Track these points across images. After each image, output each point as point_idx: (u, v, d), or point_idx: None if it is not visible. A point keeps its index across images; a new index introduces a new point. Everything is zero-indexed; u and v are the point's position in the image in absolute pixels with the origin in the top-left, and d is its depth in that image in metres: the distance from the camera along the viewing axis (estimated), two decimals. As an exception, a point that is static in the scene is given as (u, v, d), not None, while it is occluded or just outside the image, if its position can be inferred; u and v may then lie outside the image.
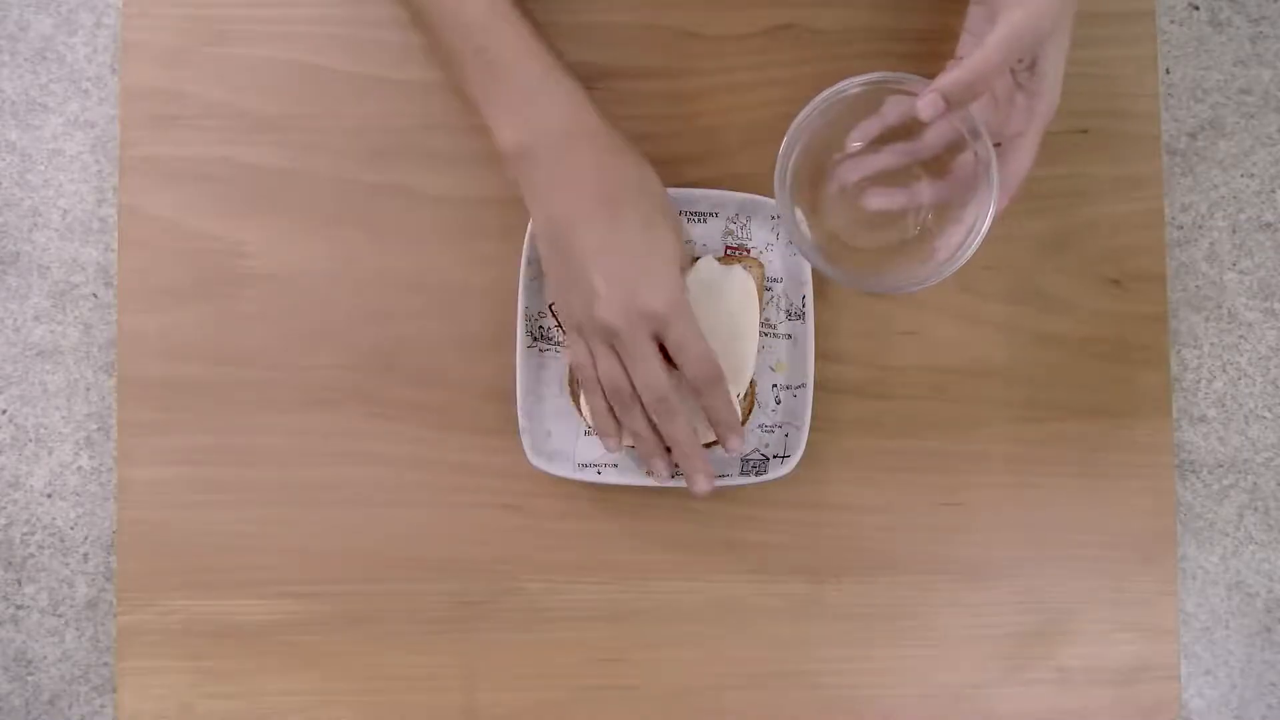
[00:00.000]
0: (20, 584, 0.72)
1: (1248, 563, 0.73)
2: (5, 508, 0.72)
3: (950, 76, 0.50)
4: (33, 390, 0.72)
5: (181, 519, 0.64)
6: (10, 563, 0.72)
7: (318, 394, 0.64)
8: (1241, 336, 0.73)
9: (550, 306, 0.63)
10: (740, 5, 0.65)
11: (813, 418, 0.62)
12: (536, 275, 0.62)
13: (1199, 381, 0.73)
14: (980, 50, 0.50)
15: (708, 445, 0.60)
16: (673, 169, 0.63)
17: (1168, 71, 0.74)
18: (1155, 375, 0.66)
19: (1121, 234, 0.66)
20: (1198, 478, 0.73)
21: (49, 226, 0.72)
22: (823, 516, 0.65)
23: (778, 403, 0.64)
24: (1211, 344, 0.73)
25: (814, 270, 0.61)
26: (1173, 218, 0.73)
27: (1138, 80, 0.66)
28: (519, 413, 0.61)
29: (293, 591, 0.64)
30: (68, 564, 0.72)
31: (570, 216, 0.56)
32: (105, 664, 0.72)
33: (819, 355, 0.62)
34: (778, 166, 0.55)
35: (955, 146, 0.57)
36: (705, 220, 0.64)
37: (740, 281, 0.62)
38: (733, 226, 0.64)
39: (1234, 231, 0.73)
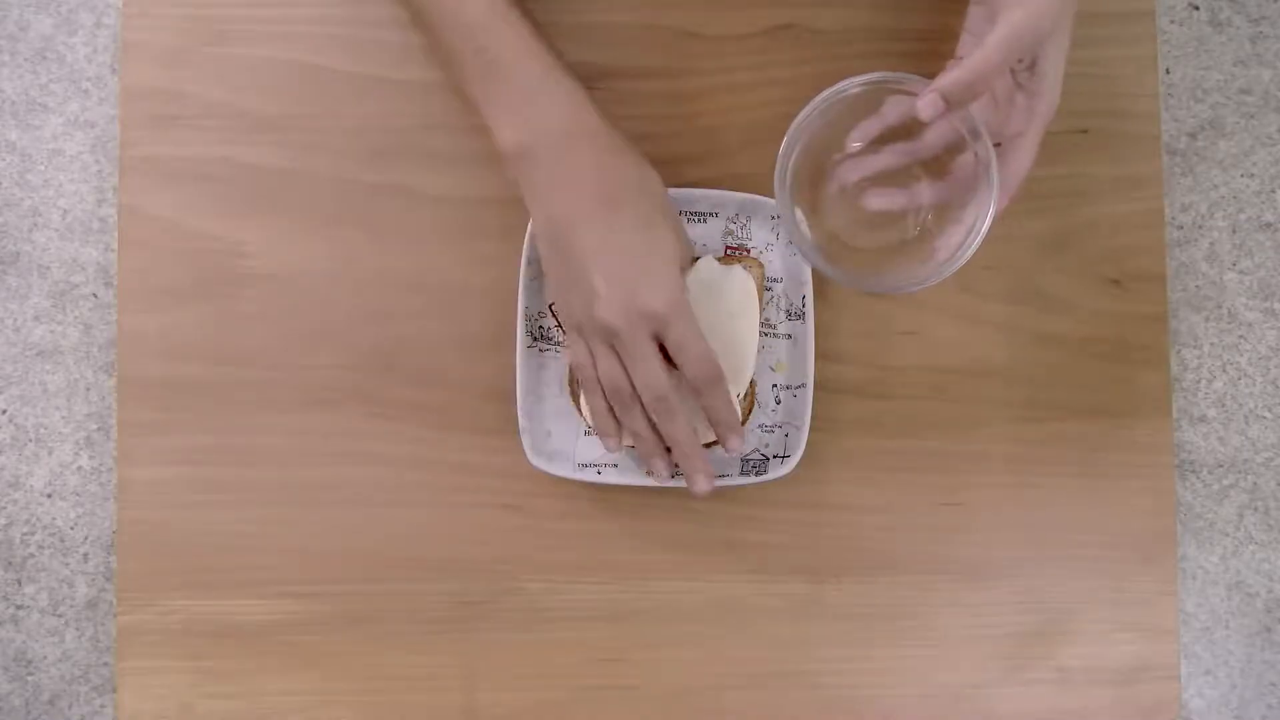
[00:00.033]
0: (20, 584, 0.72)
1: (1248, 563, 0.73)
2: (5, 508, 0.72)
3: (950, 77, 0.50)
4: (33, 390, 0.72)
5: (181, 519, 0.64)
6: (10, 563, 0.72)
7: (318, 394, 0.64)
8: (1241, 336, 0.73)
9: (550, 306, 0.63)
10: (740, 5, 0.65)
11: (813, 418, 0.62)
12: (536, 275, 0.62)
13: (1199, 381, 0.73)
14: (980, 50, 0.50)
15: (708, 445, 0.60)
16: (673, 169, 0.63)
17: (1168, 71, 0.74)
18: (1155, 375, 0.66)
19: (1121, 234, 0.66)
20: (1198, 478, 0.73)
21: (49, 226, 0.72)
22: (823, 516, 0.65)
23: (778, 403, 0.64)
24: (1211, 344, 0.73)
25: (814, 270, 0.61)
26: (1173, 218, 0.73)
27: (1138, 80, 0.66)
28: (519, 413, 0.61)
29: (293, 591, 0.64)
30: (68, 564, 0.72)
31: (570, 216, 0.56)
32: (105, 664, 0.72)
33: (819, 355, 0.62)
34: (778, 166, 0.55)
35: (955, 147, 0.57)
36: (705, 220, 0.64)
37: (740, 281, 0.62)
38: (733, 226, 0.64)
39: (1234, 231, 0.73)
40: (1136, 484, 0.66)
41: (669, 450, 0.59)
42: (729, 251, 0.64)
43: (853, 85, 0.54)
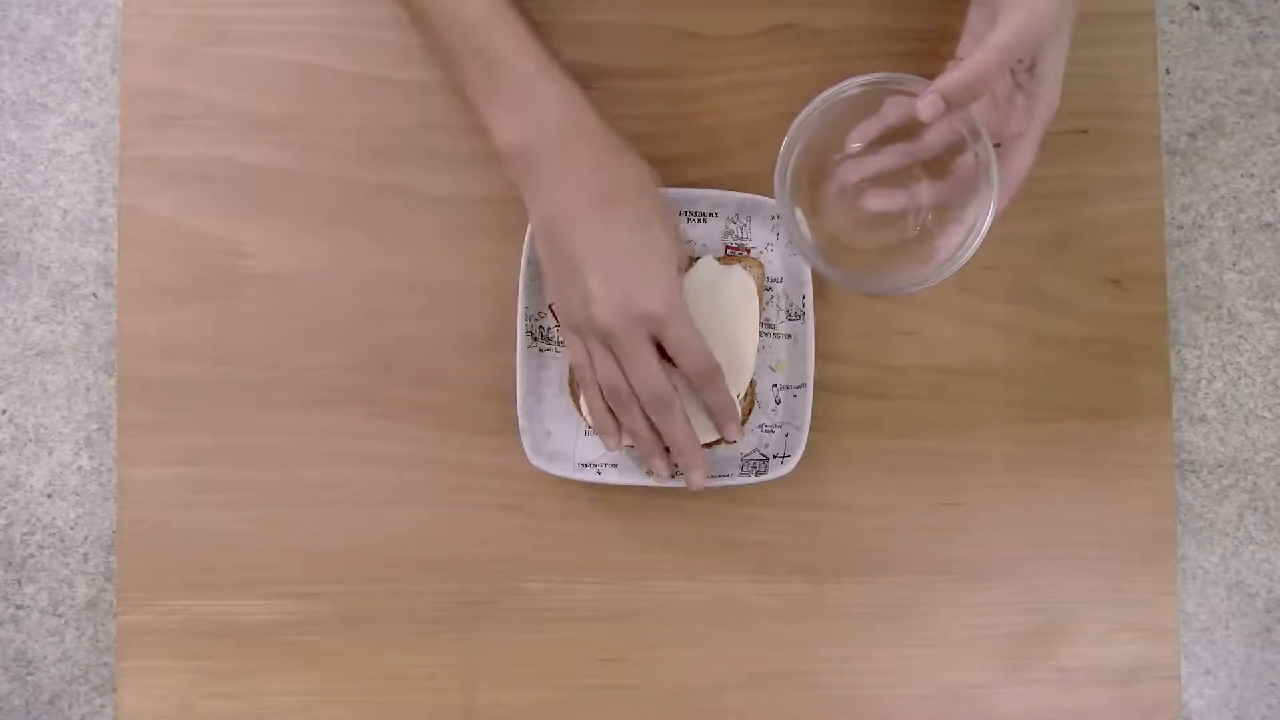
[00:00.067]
0: (20, 584, 0.72)
1: (1248, 563, 0.73)
2: (5, 508, 0.72)
3: (950, 78, 0.50)
4: (33, 390, 0.72)
5: (181, 519, 0.64)
6: (10, 563, 0.72)
7: (318, 394, 0.64)
8: (1241, 336, 0.73)
9: (550, 306, 0.63)
10: (740, 5, 0.65)
11: (813, 418, 0.62)
12: (536, 275, 0.62)
13: (1199, 381, 0.73)
14: (980, 52, 0.50)
15: (707, 445, 0.60)
16: (673, 169, 0.63)
17: (1168, 71, 0.74)
18: (1155, 375, 0.66)
19: (1121, 234, 0.66)
20: (1198, 478, 0.73)
21: (49, 226, 0.72)
22: (823, 516, 0.65)
23: (778, 403, 0.64)
24: (1211, 344, 0.73)
25: (814, 270, 0.61)
26: (1173, 218, 0.73)
27: (1138, 80, 0.66)
28: (519, 413, 0.61)
29: (293, 591, 0.64)
30: (68, 564, 0.72)
31: (567, 215, 0.56)
32: (105, 664, 0.72)
33: (819, 355, 0.62)
34: (778, 167, 0.55)
35: (955, 147, 0.57)
36: (705, 220, 0.64)
37: (740, 281, 0.62)
38: (733, 226, 0.64)
39: (1234, 231, 0.73)
40: (1136, 484, 0.66)
41: (668, 450, 0.59)
42: (729, 251, 0.64)
43: (853, 86, 0.54)
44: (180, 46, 0.64)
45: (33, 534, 0.72)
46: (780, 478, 0.62)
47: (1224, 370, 0.73)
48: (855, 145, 0.59)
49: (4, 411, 0.72)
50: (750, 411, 0.63)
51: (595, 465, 0.63)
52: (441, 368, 0.64)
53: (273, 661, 0.64)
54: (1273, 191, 0.73)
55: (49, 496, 0.72)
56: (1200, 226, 0.73)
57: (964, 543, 0.65)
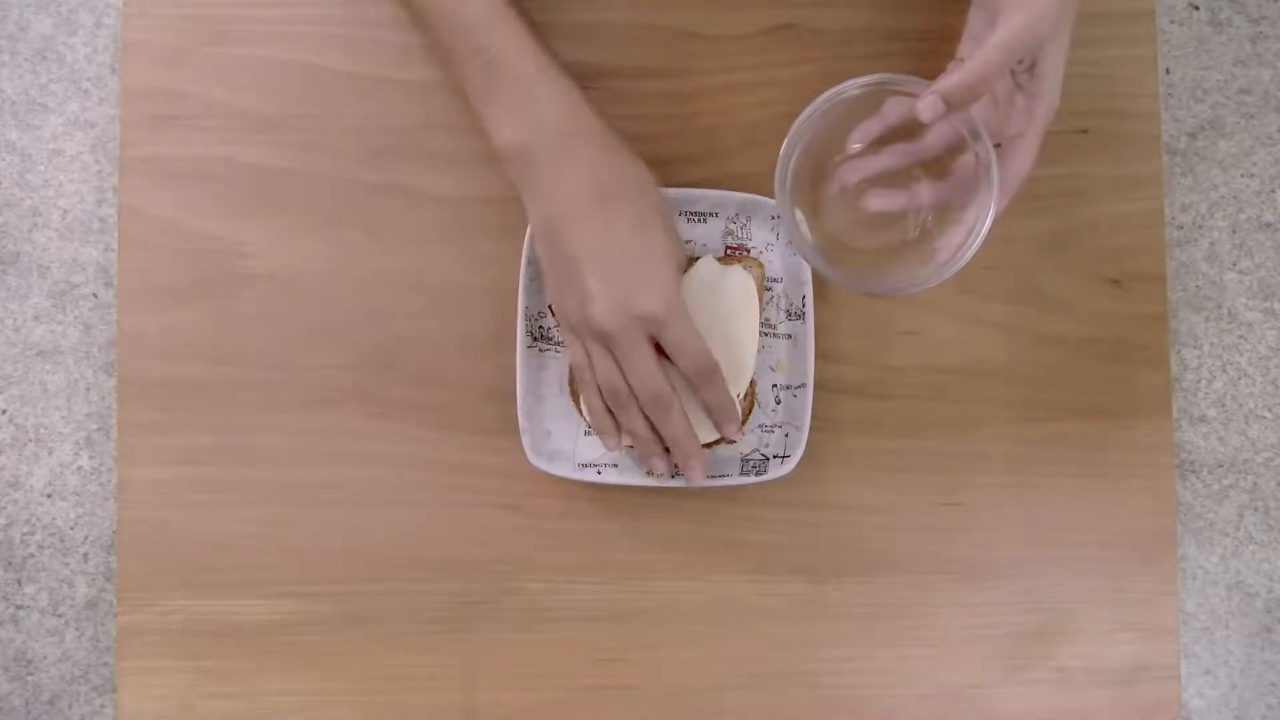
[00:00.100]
0: (20, 584, 0.72)
1: (1248, 563, 0.73)
2: (5, 508, 0.72)
3: (950, 79, 0.50)
4: (33, 390, 0.72)
5: (181, 519, 0.64)
6: (10, 563, 0.72)
7: (318, 394, 0.64)
8: (1241, 336, 0.73)
9: (549, 306, 0.63)
10: (740, 5, 0.65)
11: (813, 418, 0.62)
12: (536, 275, 0.62)
13: (1199, 381, 0.73)
14: (980, 53, 0.50)
15: (707, 445, 0.60)
16: (673, 169, 0.63)
17: (1168, 71, 0.73)
18: (1155, 375, 0.66)
19: (1121, 234, 0.66)
20: (1198, 478, 0.73)
21: (49, 226, 0.72)
22: (823, 516, 0.65)
23: (778, 403, 0.64)
24: (1211, 344, 0.73)
25: (814, 270, 0.61)
26: (1173, 218, 0.73)
27: (1138, 80, 0.66)
28: (519, 413, 0.61)
29: (293, 591, 0.64)
30: (68, 564, 0.72)
31: (567, 215, 0.56)
32: (105, 664, 0.72)
33: (819, 355, 0.62)
34: (778, 168, 0.55)
35: (955, 148, 0.57)
36: (705, 220, 0.64)
37: (740, 281, 0.62)
38: (733, 226, 0.64)
39: (1234, 231, 0.73)
40: (1136, 484, 0.66)
41: (668, 450, 0.59)
42: (729, 251, 0.64)
43: (853, 87, 0.54)
44: (180, 46, 0.64)
45: (33, 534, 0.72)
46: (780, 478, 0.62)
47: (1224, 370, 0.73)
48: (856, 146, 0.59)
49: (4, 411, 0.72)
50: (750, 411, 0.63)
51: (595, 465, 0.63)
52: (441, 368, 0.64)
53: (273, 661, 0.64)
54: (1273, 191, 0.73)
55: (49, 496, 0.72)
56: (1200, 226, 0.73)
57: (964, 543, 0.65)
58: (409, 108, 0.65)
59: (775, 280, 0.64)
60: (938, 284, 0.54)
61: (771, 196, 0.56)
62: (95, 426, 0.72)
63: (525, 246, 0.61)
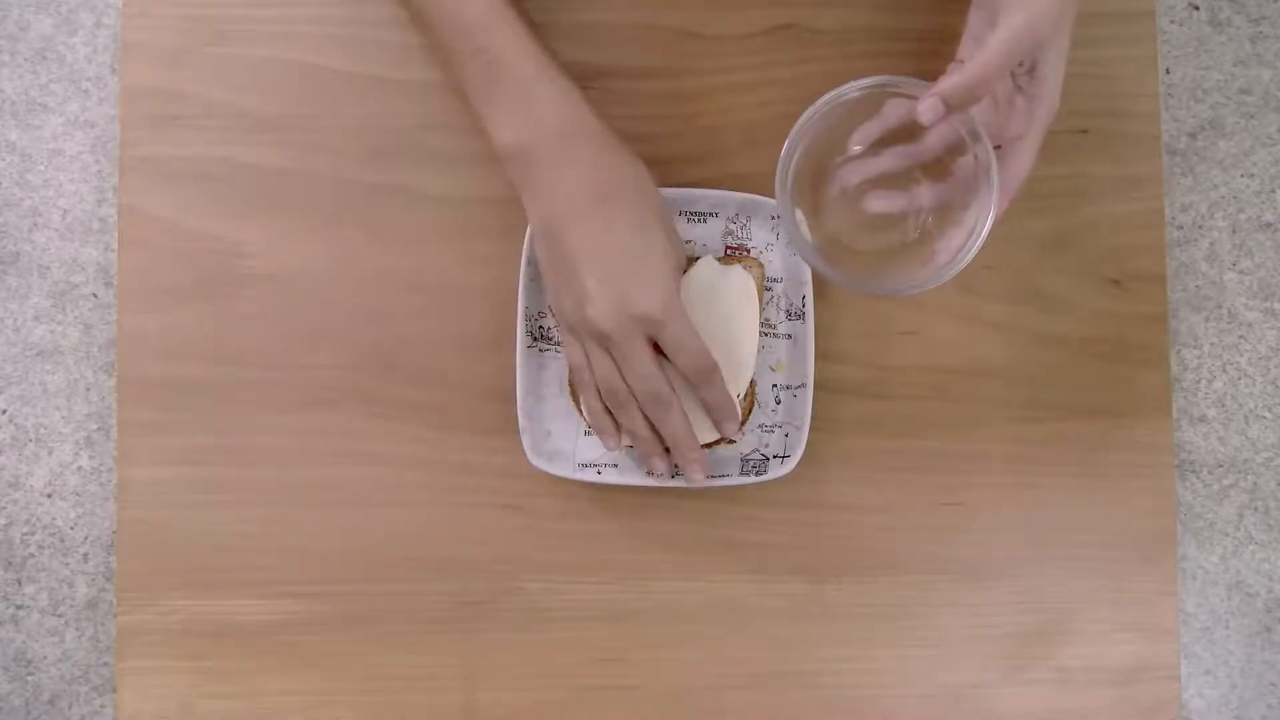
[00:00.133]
0: (20, 584, 0.72)
1: (1248, 563, 0.73)
2: (5, 508, 0.72)
3: (950, 81, 0.50)
4: (33, 390, 0.72)
5: (181, 519, 0.64)
6: (10, 563, 0.72)
7: (318, 394, 0.64)
8: (1241, 336, 0.73)
9: (549, 306, 0.63)
10: (740, 5, 0.65)
11: (813, 418, 0.62)
12: (536, 275, 0.62)
13: (1199, 381, 0.73)
14: (980, 55, 0.50)
15: (707, 445, 0.60)
16: (673, 169, 0.63)
17: (1168, 71, 0.73)
18: (1155, 375, 0.66)
19: (1121, 234, 0.66)
20: (1198, 478, 0.73)
21: (49, 226, 0.72)
22: (823, 516, 0.65)
23: (778, 403, 0.64)
24: (1211, 344, 0.73)
25: (814, 271, 0.61)
26: (1173, 218, 0.73)
27: (1138, 80, 0.66)
28: (519, 413, 0.61)
29: (293, 591, 0.64)
30: (68, 564, 0.72)
31: (566, 215, 0.56)
32: (105, 664, 0.72)
33: (819, 355, 0.62)
34: (779, 169, 0.55)
35: (956, 149, 0.57)
36: (705, 220, 0.64)
37: (740, 281, 0.62)
38: (733, 226, 0.64)
39: (1234, 231, 0.73)
40: (1136, 484, 0.66)
41: (668, 449, 0.59)
42: (729, 251, 0.64)
43: (853, 89, 0.54)
44: (180, 46, 0.64)
45: (33, 534, 0.72)
46: (780, 478, 0.62)
47: (1224, 370, 0.73)
48: (856, 148, 0.59)
49: (4, 411, 0.72)
50: (750, 411, 0.63)
51: (595, 465, 0.63)
52: (441, 368, 0.64)
53: (273, 661, 0.64)
54: (1273, 191, 0.73)
55: (49, 496, 0.72)
56: (1200, 226, 0.73)
57: (964, 543, 0.65)
58: (409, 108, 0.64)
59: (775, 280, 0.64)
60: (938, 285, 0.54)
61: (772, 196, 0.56)
62: (95, 426, 0.72)
63: (525, 246, 0.61)
